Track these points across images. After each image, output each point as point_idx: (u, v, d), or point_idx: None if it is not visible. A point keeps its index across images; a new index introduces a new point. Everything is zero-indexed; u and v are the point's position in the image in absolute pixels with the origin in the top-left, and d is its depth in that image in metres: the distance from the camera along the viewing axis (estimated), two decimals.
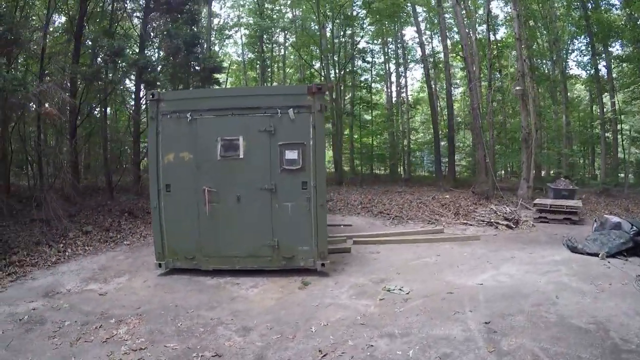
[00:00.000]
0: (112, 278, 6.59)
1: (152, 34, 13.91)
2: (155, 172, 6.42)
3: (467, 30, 17.07)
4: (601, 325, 4.28)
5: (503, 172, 26.78)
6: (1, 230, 8.31)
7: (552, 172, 22.30)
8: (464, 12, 19.17)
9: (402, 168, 26.81)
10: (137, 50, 13.80)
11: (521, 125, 15.75)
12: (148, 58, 11.47)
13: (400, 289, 5.57)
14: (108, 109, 15.77)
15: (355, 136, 25.70)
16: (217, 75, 14.68)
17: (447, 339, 4.03)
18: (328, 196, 14.53)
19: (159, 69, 13.46)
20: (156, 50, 15.16)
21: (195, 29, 13.66)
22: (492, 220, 10.65)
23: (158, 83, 12.61)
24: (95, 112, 14.18)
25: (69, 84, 11.87)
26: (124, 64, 11.85)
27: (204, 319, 4.85)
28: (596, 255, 7.17)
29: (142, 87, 12.91)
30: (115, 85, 12.40)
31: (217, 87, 14.23)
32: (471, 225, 10.69)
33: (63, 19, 14.75)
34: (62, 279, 6.60)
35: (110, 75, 12.59)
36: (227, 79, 25.90)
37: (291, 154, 6.09)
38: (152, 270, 6.69)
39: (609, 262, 6.81)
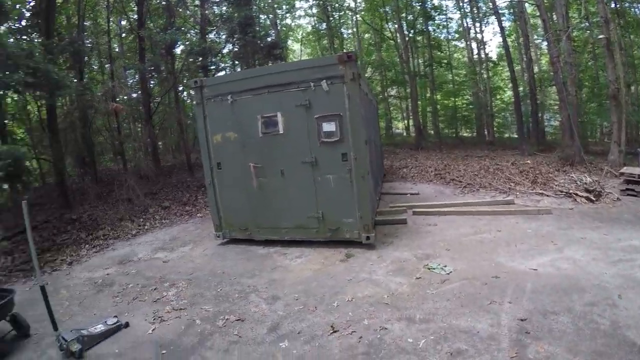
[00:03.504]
0: (177, 247, 7.35)
1: (211, 20, 14.55)
2: (207, 152, 6.96)
3: None
4: None
5: (598, 133, 24.20)
6: (91, 210, 9.52)
7: None
8: None
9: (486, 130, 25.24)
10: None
11: (608, 80, 13.79)
12: (203, 44, 12.11)
13: (442, 268, 5.23)
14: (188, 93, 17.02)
15: (438, 97, 24.63)
16: (292, 48, 14.92)
17: (469, 333, 3.65)
18: (404, 162, 14.43)
19: (224, 51, 14.11)
20: (217, 35, 15.80)
21: (252, 9, 13.95)
22: (570, 191, 9.48)
23: (221, 65, 13.30)
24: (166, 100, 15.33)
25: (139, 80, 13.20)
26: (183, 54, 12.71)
27: (242, 285, 5.25)
28: None
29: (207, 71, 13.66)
30: (176, 75, 13.26)
31: (281, 62, 14.48)
32: (547, 196, 9.59)
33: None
34: (137, 249, 7.53)
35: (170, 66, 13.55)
36: (301, 51, 26.23)
37: (328, 126, 6.08)
38: (213, 240, 7.30)
39: None
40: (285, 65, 8.85)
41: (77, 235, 8.46)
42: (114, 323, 4.40)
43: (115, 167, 14.61)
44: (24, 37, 10.31)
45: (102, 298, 5.38)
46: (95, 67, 15.82)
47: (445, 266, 5.29)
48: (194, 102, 7.19)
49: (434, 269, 5.24)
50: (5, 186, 10.12)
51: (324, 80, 5.99)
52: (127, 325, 4.46)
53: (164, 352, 3.88)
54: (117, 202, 10.18)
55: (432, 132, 25.10)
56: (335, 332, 3.88)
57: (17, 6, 10.89)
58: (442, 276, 4.99)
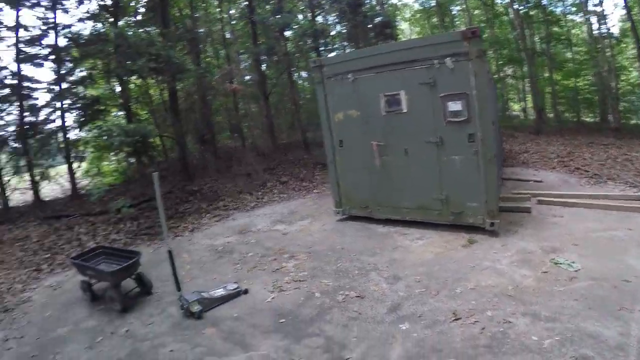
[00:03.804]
0: (296, 221, 7.58)
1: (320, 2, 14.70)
2: (329, 130, 7.04)
3: None
4: None
5: None
6: (211, 183, 10.22)
7: None
8: None
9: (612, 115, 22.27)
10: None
11: None
12: (314, 26, 12.36)
13: (569, 264, 4.78)
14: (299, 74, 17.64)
15: (559, 78, 22.29)
16: (401, 27, 14.67)
17: (596, 339, 3.31)
18: (524, 147, 13.57)
19: (332, 33, 14.28)
20: (324, 17, 15.90)
21: None
22: None
23: (331, 46, 13.46)
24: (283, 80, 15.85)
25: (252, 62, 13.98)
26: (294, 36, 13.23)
27: (362, 263, 5.25)
28: None
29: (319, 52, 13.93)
30: (290, 56, 13.66)
31: (393, 41, 14.16)
32: None
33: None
34: (256, 220, 7.93)
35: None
36: (410, 30, 25.56)
37: (455, 105, 5.73)
38: (332, 215, 7.41)
39: None
40: (406, 42, 8.59)
41: (199, 205, 9.13)
42: (234, 289, 4.65)
43: (233, 144, 15.56)
44: (141, 29, 11.32)
45: (222, 264, 5.75)
46: (210, 53, 16.85)
47: (573, 262, 4.83)
48: (315, 82, 7.25)
49: (561, 264, 4.82)
50: (132, 160, 11.44)
51: (448, 58, 5.64)
52: (246, 291, 4.70)
53: (282, 320, 4.01)
54: (235, 177, 10.82)
55: (552, 115, 22.97)
56: (457, 319, 3.74)
57: (132, 3, 12.18)
58: (570, 273, 4.57)
